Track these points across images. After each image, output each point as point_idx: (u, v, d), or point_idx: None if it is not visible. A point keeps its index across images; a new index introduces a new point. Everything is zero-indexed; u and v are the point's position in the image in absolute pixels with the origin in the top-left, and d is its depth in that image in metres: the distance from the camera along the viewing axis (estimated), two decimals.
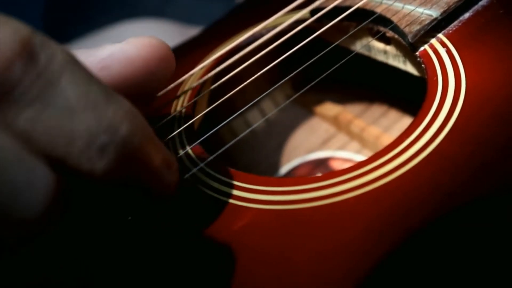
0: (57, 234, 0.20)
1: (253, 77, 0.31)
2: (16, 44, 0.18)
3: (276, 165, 0.39)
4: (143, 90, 0.24)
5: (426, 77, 0.29)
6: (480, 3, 0.31)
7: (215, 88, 0.32)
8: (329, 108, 0.41)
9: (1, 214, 0.17)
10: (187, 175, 0.27)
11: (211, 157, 0.28)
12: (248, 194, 0.25)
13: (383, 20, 0.32)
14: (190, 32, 0.46)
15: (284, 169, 0.39)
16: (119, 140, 0.19)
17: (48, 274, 0.22)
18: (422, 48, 0.30)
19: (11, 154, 0.17)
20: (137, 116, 0.20)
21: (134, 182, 0.21)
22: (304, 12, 0.35)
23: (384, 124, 0.39)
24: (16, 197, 0.17)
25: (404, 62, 0.33)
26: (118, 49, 0.24)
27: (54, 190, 0.18)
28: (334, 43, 0.33)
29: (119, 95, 0.20)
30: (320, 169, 0.38)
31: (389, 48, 0.34)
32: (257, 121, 0.42)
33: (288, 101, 0.41)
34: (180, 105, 0.32)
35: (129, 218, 0.24)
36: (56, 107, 0.18)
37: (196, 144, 0.29)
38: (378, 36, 0.33)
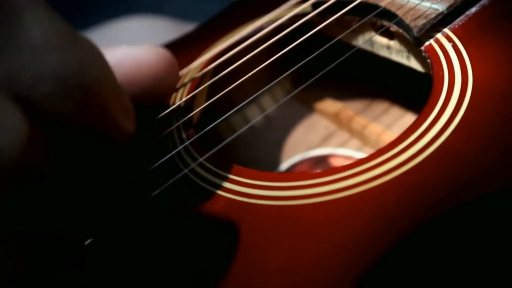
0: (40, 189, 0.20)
1: (252, 72, 0.30)
2: None
3: (275, 162, 0.39)
4: (148, 95, 0.25)
5: (431, 72, 0.28)
6: None
7: (214, 82, 0.31)
8: (329, 105, 0.41)
9: None
10: (186, 170, 0.27)
11: (210, 153, 0.27)
12: (248, 189, 0.25)
13: (388, 14, 0.32)
14: (186, 29, 0.46)
15: (283, 166, 0.38)
16: (86, 83, 0.19)
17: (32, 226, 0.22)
18: (427, 43, 0.30)
19: None
20: (103, 61, 0.20)
21: (94, 127, 0.21)
22: (306, 5, 0.34)
23: (386, 121, 0.39)
24: None
25: (408, 58, 0.33)
26: (132, 51, 0.24)
27: (26, 134, 0.18)
28: (335, 37, 0.33)
29: (84, 38, 0.20)
30: (320, 166, 0.37)
31: (393, 43, 0.33)
32: (256, 117, 0.41)
33: (287, 97, 0.41)
34: (178, 99, 0.32)
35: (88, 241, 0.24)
36: (19, 45, 0.18)
37: (194, 139, 0.28)
38: (381, 30, 0.33)
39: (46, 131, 0.20)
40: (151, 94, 0.25)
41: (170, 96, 0.32)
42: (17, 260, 0.20)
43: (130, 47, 0.24)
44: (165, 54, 0.25)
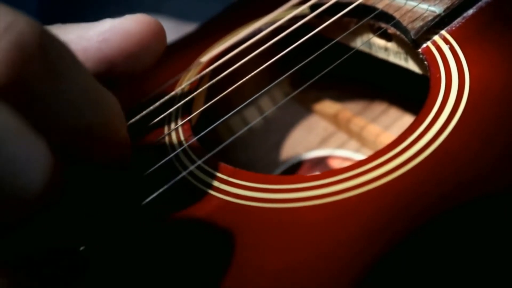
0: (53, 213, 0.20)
1: (251, 74, 0.30)
2: (34, 39, 0.18)
3: (274, 164, 0.39)
4: (138, 63, 0.26)
5: (428, 74, 0.28)
6: (484, 0, 0.31)
7: (212, 84, 0.31)
8: (328, 106, 0.41)
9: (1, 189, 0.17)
10: (184, 173, 0.27)
11: (209, 155, 0.27)
12: (246, 192, 0.25)
13: (385, 16, 0.32)
14: (186, 29, 0.46)
15: (282, 167, 0.38)
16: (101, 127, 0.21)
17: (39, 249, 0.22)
18: (424, 45, 0.30)
19: (12, 127, 0.17)
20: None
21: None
22: (304, 7, 0.34)
23: (384, 122, 0.39)
24: (16, 172, 0.17)
25: (406, 59, 0.33)
26: (117, 23, 0.25)
27: (52, 168, 0.18)
28: (334, 39, 0.33)
29: (111, 94, 0.21)
30: (319, 167, 0.37)
31: (390, 45, 0.33)
32: (255, 119, 0.41)
33: (286, 99, 0.41)
34: (177, 101, 0.32)
35: (82, 248, 0.24)
36: (60, 100, 0.19)
37: (193, 141, 0.28)
38: (379, 32, 0.33)
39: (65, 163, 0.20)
40: (138, 63, 0.26)
41: (169, 96, 0.32)
42: (21, 280, 0.20)
43: (114, 20, 0.25)
44: (150, 21, 0.26)
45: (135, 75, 0.26)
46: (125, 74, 0.25)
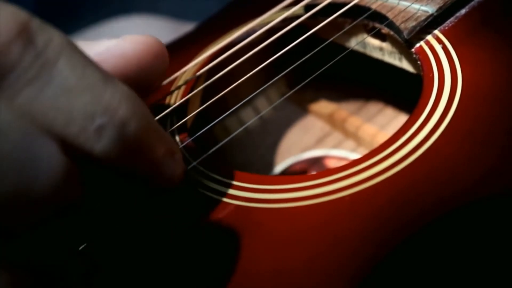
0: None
1: (247, 75, 0.30)
2: (15, 27, 0.18)
3: (270, 164, 0.39)
4: (136, 86, 0.24)
5: (422, 73, 0.28)
6: None
7: (208, 85, 0.31)
8: (324, 106, 0.41)
9: (9, 189, 0.17)
10: None
11: (204, 156, 0.27)
12: (241, 193, 0.25)
13: (379, 17, 0.32)
14: (183, 28, 0.46)
15: (278, 167, 0.38)
16: (117, 121, 0.20)
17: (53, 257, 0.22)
18: (418, 45, 0.30)
19: (15, 127, 0.18)
20: (136, 100, 0.21)
21: (136, 169, 0.22)
22: (298, 8, 0.34)
23: (380, 122, 0.39)
24: (22, 171, 0.17)
25: (400, 59, 0.33)
26: (114, 44, 0.24)
27: (64, 170, 0.18)
28: (328, 39, 0.33)
29: (117, 80, 0.20)
30: (315, 167, 0.37)
31: (385, 45, 0.33)
32: (251, 119, 0.41)
33: (282, 99, 0.41)
34: (173, 102, 0.32)
35: (82, 246, 0.24)
36: (54, 87, 0.19)
37: (188, 142, 0.29)
38: (373, 32, 0.33)
39: (83, 167, 0.20)
40: (140, 84, 0.25)
41: (164, 100, 0.32)
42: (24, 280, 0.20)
43: (111, 40, 0.24)
44: (148, 41, 0.25)
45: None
46: None
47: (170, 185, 0.24)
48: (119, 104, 0.20)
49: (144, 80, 0.25)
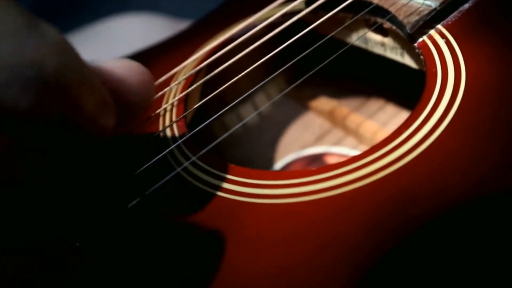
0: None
1: (246, 71, 0.30)
2: None
3: (270, 161, 0.38)
4: (123, 113, 0.22)
5: (424, 69, 0.28)
6: None
7: (207, 81, 0.31)
8: (324, 103, 0.40)
9: None
10: (179, 169, 0.26)
11: (203, 151, 0.27)
12: (241, 188, 0.25)
13: (381, 11, 0.31)
14: (182, 26, 0.46)
15: (278, 165, 0.38)
16: (44, 76, 0.17)
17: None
18: (420, 40, 0.29)
19: None
20: (67, 51, 0.18)
21: (65, 123, 0.19)
22: (298, 2, 0.34)
23: (381, 119, 0.39)
24: None
25: (402, 55, 0.33)
26: (96, 66, 0.22)
27: None
28: (329, 35, 0.33)
29: (46, 24, 0.18)
30: (315, 165, 0.37)
31: (387, 40, 0.33)
32: (250, 115, 0.41)
33: (281, 95, 0.41)
34: (172, 97, 0.31)
35: (77, 244, 0.23)
36: None
37: (187, 137, 0.28)
38: (375, 27, 0.33)
39: (12, 136, 0.19)
40: (125, 112, 0.22)
41: (163, 96, 0.32)
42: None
43: (96, 61, 0.22)
44: (133, 67, 0.23)
45: (122, 123, 0.23)
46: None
47: (100, 137, 0.21)
48: (47, 56, 0.17)
49: (129, 108, 0.23)
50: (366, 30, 0.34)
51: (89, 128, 0.20)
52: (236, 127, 0.37)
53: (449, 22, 0.30)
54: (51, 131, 0.19)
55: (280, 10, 0.33)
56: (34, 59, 0.17)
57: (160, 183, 0.26)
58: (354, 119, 0.38)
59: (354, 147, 0.38)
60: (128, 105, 0.22)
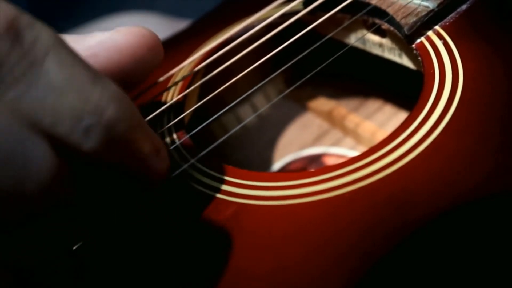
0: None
1: (244, 72, 0.30)
2: (3, 23, 0.18)
3: (268, 162, 0.38)
4: (129, 78, 0.24)
5: (422, 69, 0.28)
6: None
7: (205, 82, 0.31)
8: (322, 103, 0.41)
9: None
10: (177, 172, 0.26)
11: (202, 153, 0.27)
12: (239, 190, 0.25)
13: (379, 12, 0.31)
14: (180, 25, 0.46)
15: (276, 165, 0.38)
16: (105, 122, 0.19)
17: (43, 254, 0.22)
18: (418, 41, 0.29)
19: (4, 124, 0.18)
20: (125, 100, 0.20)
21: (123, 166, 0.22)
22: (296, 3, 0.34)
23: (380, 119, 0.39)
24: (12, 169, 0.17)
25: (400, 55, 0.33)
26: (107, 37, 0.24)
27: (54, 168, 0.18)
28: (327, 35, 0.33)
29: (106, 78, 0.20)
30: (314, 165, 0.37)
31: (385, 41, 0.33)
32: (249, 117, 0.41)
33: (280, 96, 0.41)
34: (170, 98, 0.31)
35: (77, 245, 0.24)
36: (41, 87, 0.18)
37: (186, 139, 0.28)
38: (373, 28, 0.33)
39: (75, 165, 0.20)
40: (134, 77, 0.25)
41: (161, 97, 0.32)
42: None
43: (104, 33, 0.24)
44: (143, 33, 0.24)
45: (129, 88, 0.25)
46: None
47: (156, 181, 0.24)
48: (107, 104, 0.20)
49: (138, 73, 0.25)
50: (364, 31, 0.34)
51: (145, 171, 0.22)
52: (236, 129, 0.37)
53: (447, 23, 0.30)
54: (113, 171, 0.22)
55: (278, 11, 0.33)
56: (95, 108, 0.19)
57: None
58: (353, 119, 0.38)
59: (352, 148, 0.38)
60: (139, 70, 0.25)
